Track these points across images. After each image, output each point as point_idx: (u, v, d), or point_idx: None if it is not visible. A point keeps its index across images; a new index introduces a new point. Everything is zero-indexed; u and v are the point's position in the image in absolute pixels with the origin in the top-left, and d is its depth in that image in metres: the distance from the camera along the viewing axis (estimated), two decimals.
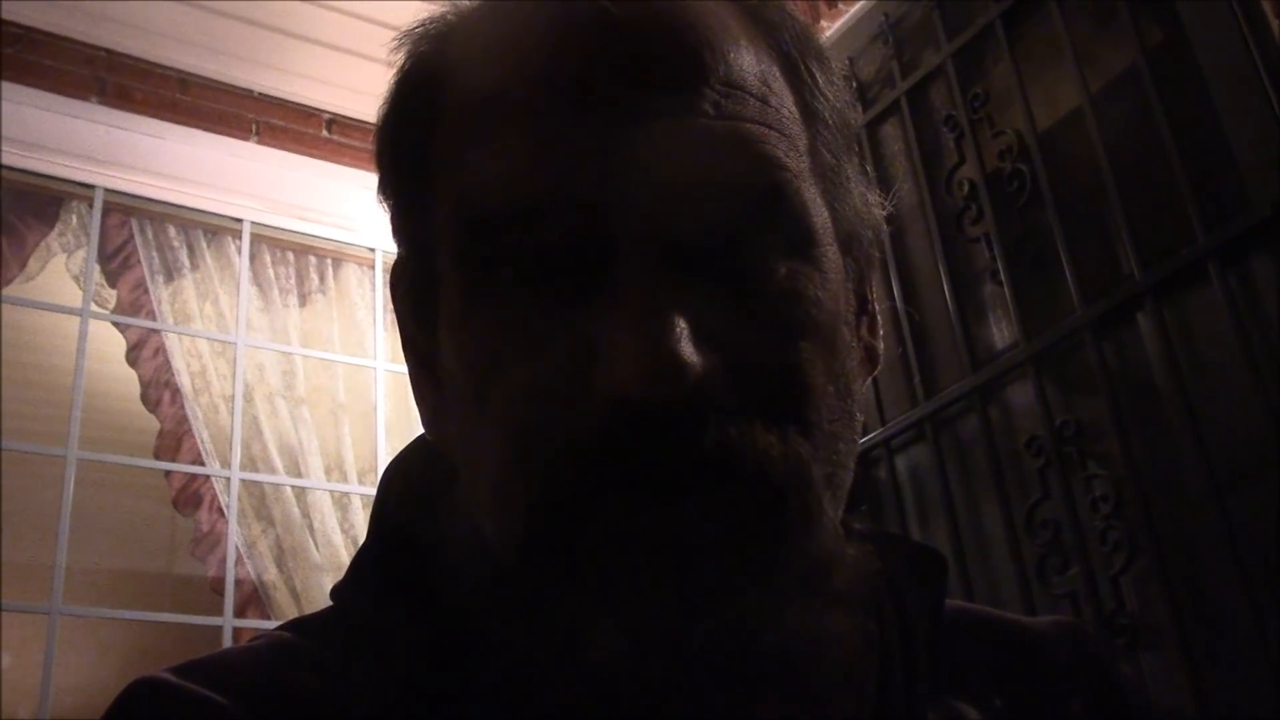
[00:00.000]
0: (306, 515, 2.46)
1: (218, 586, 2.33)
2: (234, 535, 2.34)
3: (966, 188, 1.84)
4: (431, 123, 0.49)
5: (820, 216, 0.47)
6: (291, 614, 2.26)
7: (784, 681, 0.40)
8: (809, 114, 0.49)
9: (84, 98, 2.48)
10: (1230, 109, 1.43)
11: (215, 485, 2.39)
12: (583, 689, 0.40)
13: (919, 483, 1.88)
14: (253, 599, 2.35)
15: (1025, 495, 1.67)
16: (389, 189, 0.52)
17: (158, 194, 2.51)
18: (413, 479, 0.53)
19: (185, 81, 2.64)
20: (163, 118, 2.57)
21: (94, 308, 2.39)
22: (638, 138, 0.42)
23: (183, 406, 2.41)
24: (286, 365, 2.57)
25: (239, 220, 2.59)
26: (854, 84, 2.10)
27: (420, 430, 0.54)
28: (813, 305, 0.44)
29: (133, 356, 2.43)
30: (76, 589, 2.51)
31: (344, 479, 2.55)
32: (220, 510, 2.37)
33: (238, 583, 2.32)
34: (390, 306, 2.28)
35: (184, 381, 2.42)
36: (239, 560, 2.34)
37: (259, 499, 2.44)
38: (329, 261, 2.75)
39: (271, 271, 2.64)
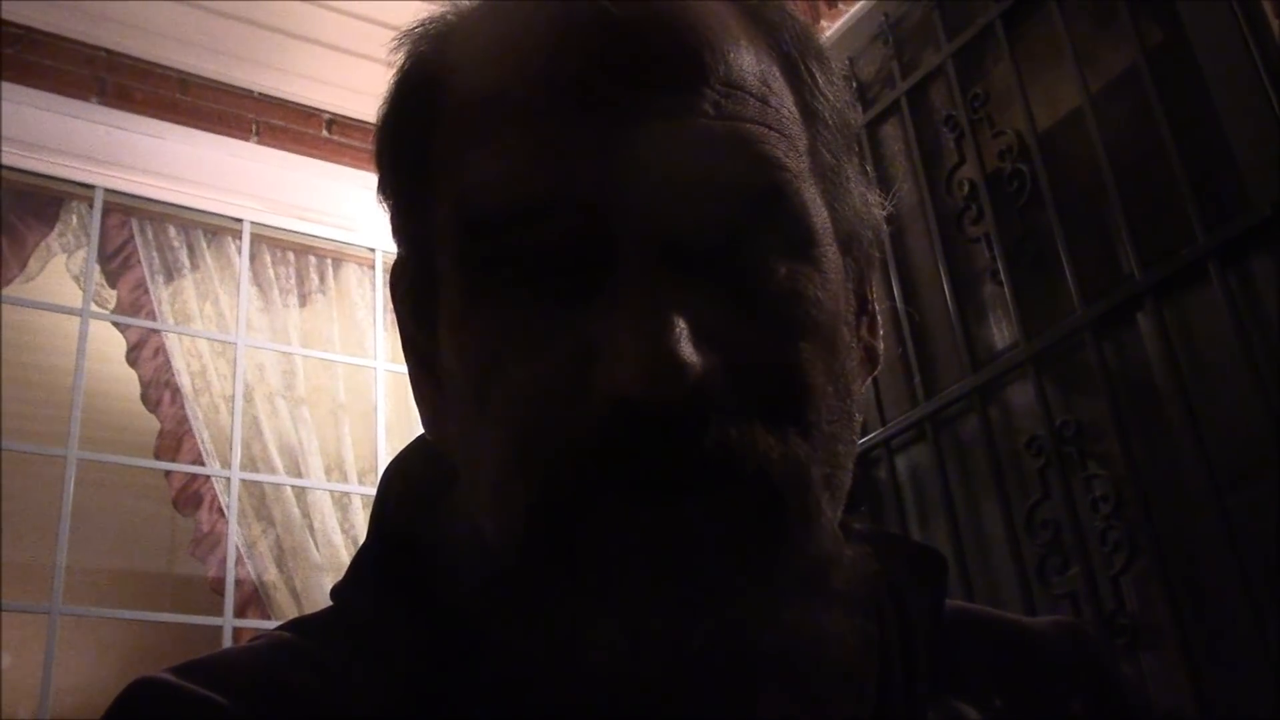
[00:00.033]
0: (307, 515, 2.46)
1: (218, 586, 2.33)
2: (234, 535, 2.34)
3: (966, 188, 1.84)
4: (431, 123, 0.49)
5: (820, 216, 0.47)
6: (292, 614, 2.26)
7: (784, 681, 0.40)
8: (809, 114, 0.49)
9: (84, 98, 2.48)
10: (1230, 109, 1.43)
11: (215, 485, 2.39)
12: (583, 689, 0.40)
13: (919, 483, 1.88)
14: (253, 599, 2.35)
15: (1025, 495, 1.67)
16: (389, 189, 0.52)
17: (158, 194, 2.51)
18: (413, 479, 0.53)
19: (185, 82, 2.64)
20: (163, 118, 2.57)
21: (94, 308, 2.39)
22: (638, 138, 0.42)
23: (183, 406, 2.41)
24: (287, 365, 2.57)
25: (239, 220, 2.59)
26: (854, 84, 2.10)
27: (420, 430, 0.54)
28: (813, 305, 0.44)
29: (133, 356, 2.43)
30: (77, 589, 2.51)
31: (344, 479, 2.55)
32: (220, 510, 2.37)
33: (238, 583, 2.32)
34: (390, 306, 2.28)
35: (184, 381, 2.42)
36: (239, 560, 2.34)
37: (259, 499, 2.44)
38: (329, 261, 2.75)
39: (272, 271, 2.64)
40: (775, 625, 0.40)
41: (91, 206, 2.43)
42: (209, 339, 2.48)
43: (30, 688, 2.33)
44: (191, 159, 2.55)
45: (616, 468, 0.40)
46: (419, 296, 0.51)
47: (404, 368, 0.55)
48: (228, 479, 2.38)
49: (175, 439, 2.39)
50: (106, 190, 2.44)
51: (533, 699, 0.42)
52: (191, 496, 2.38)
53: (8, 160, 2.33)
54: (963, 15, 1.89)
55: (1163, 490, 1.48)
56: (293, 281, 2.68)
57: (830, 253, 0.47)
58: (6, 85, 2.36)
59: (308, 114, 2.79)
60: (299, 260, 2.71)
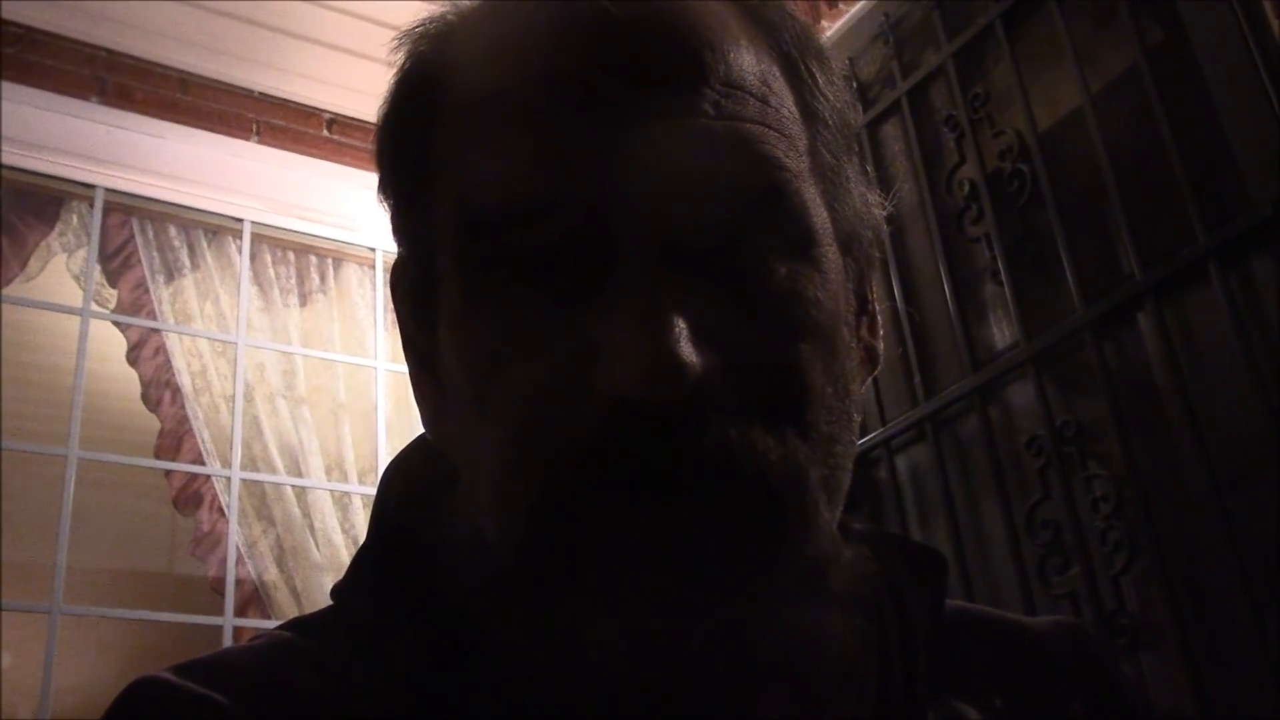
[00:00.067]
0: (307, 515, 2.46)
1: (218, 586, 2.33)
2: (234, 535, 2.34)
3: (967, 188, 1.84)
4: (431, 122, 0.49)
5: (820, 216, 0.47)
6: (292, 614, 2.26)
7: (783, 681, 0.40)
8: (809, 114, 0.49)
9: (84, 97, 2.48)
10: (1230, 109, 1.43)
11: (216, 485, 2.39)
12: (582, 689, 0.40)
13: (919, 483, 1.88)
14: (253, 599, 2.35)
15: (1025, 495, 1.67)
16: (389, 189, 0.52)
17: (158, 194, 2.51)
18: (413, 479, 0.53)
19: (186, 81, 2.64)
20: (163, 117, 2.57)
21: (94, 307, 2.39)
22: (638, 138, 0.42)
23: (183, 406, 2.41)
24: (287, 365, 2.57)
25: (239, 220, 2.59)
26: (854, 84, 2.10)
27: (420, 430, 0.54)
28: (812, 306, 0.44)
29: (133, 356, 2.43)
30: (77, 588, 2.51)
31: (344, 479, 2.55)
32: (221, 510, 2.37)
33: (238, 582, 2.32)
34: (390, 306, 2.28)
35: (184, 381, 2.42)
36: (239, 560, 2.34)
37: (259, 499, 2.44)
38: (329, 261, 2.75)
39: (272, 271, 2.64)
40: (774, 626, 0.40)
41: (92, 206, 2.43)
42: (209, 339, 2.48)
43: (31, 687, 2.33)
44: (192, 159, 2.55)
45: (616, 468, 0.40)
46: (419, 296, 0.51)
47: (404, 367, 0.55)
48: (228, 479, 2.38)
49: (175, 438, 2.39)
50: (107, 190, 2.44)
51: (532, 699, 0.42)
52: (192, 496, 2.38)
53: (8, 160, 2.33)
54: (963, 15, 1.89)
55: (1163, 490, 1.48)
56: (293, 281, 2.68)
57: (830, 253, 0.47)
58: (7, 85, 2.36)
59: (308, 114, 2.79)
60: (299, 260, 2.71)
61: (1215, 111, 1.45)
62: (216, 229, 2.60)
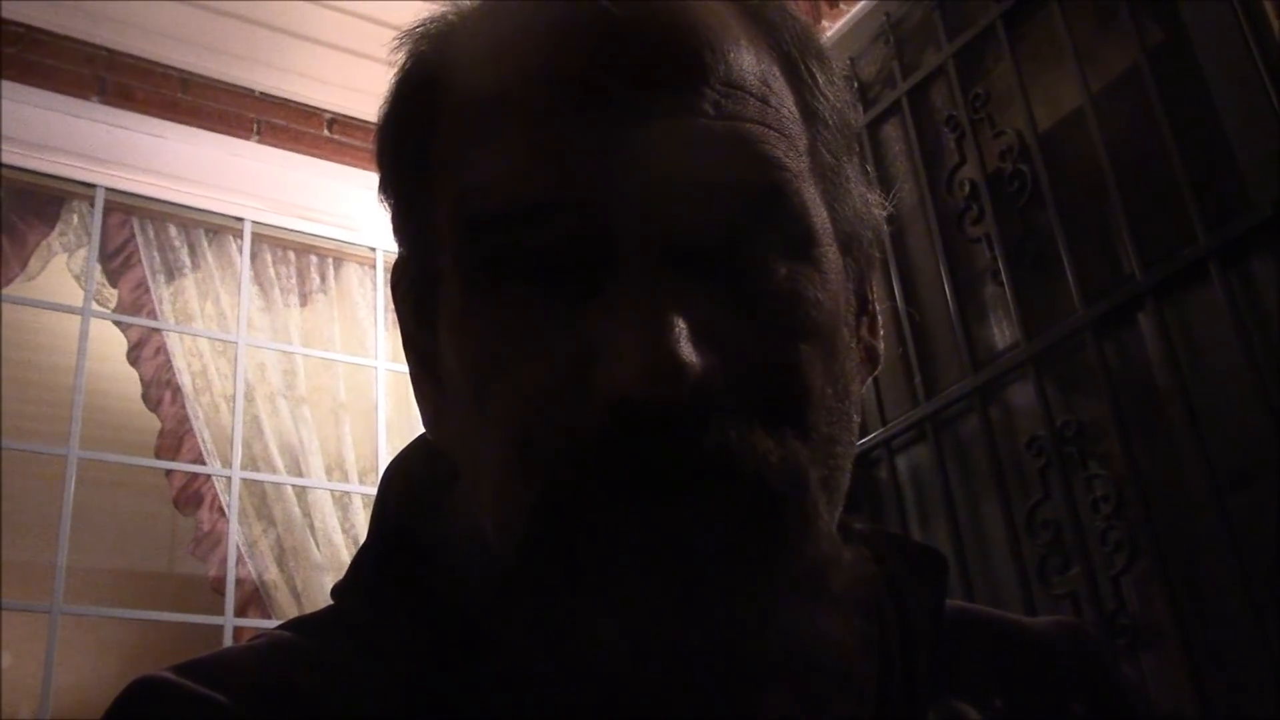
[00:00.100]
0: (307, 514, 2.46)
1: (218, 586, 2.33)
2: (235, 534, 2.34)
3: (967, 188, 1.84)
4: (432, 122, 0.49)
5: (820, 216, 0.47)
6: (292, 613, 2.26)
7: (783, 682, 0.40)
8: (809, 114, 0.49)
9: (85, 97, 2.48)
10: (1231, 109, 1.43)
11: (216, 484, 2.39)
12: (582, 689, 0.40)
13: (920, 483, 1.88)
14: (253, 598, 2.35)
15: (1026, 495, 1.67)
16: (390, 188, 0.52)
17: (159, 193, 2.51)
18: (414, 478, 0.53)
19: (186, 81, 2.64)
20: (164, 117, 2.57)
21: (95, 307, 2.39)
22: (638, 138, 0.42)
23: (184, 406, 2.41)
24: (287, 365, 2.57)
25: (240, 220, 2.59)
26: (855, 84, 2.10)
27: (421, 430, 0.54)
28: (812, 306, 0.44)
29: (134, 356, 2.43)
30: (77, 588, 2.51)
31: (345, 478, 2.55)
32: (221, 509, 2.37)
33: (238, 582, 2.32)
34: (391, 306, 2.28)
35: (185, 381, 2.42)
36: (240, 559, 2.34)
37: (260, 498, 2.44)
38: (330, 261, 2.75)
39: (273, 271, 2.64)
40: (774, 626, 0.40)
41: (92, 205, 2.43)
42: (210, 338, 2.48)
43: (31, 687, 2.33)
44: (192, 158, 2.55)
45: (617, 468, 0.40)
46: (420, 296, 0.51)
47: (405, 367, 0.55)
48: (228, 478, 2.38)
49: (176, 438, 2.39)
50: (107, 189, 2.45)
51: (533, 699, 0.42)
52: (192, 496, 2.39)
53: (8, 159, 2.33)
54: (964, 15, 1.89)
55: (1163, 490, 1.48)
56: (294, 281, 2.68)
57: (830, 253, 0.47)
58: (7, 84, 2.36)
59: (309, 113, 2.79)
60: (300, 259, 2.71)
61: (1216, 111, 1.45)
62: (217, 228, 2.60)
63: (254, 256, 2.60)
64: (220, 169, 2.58)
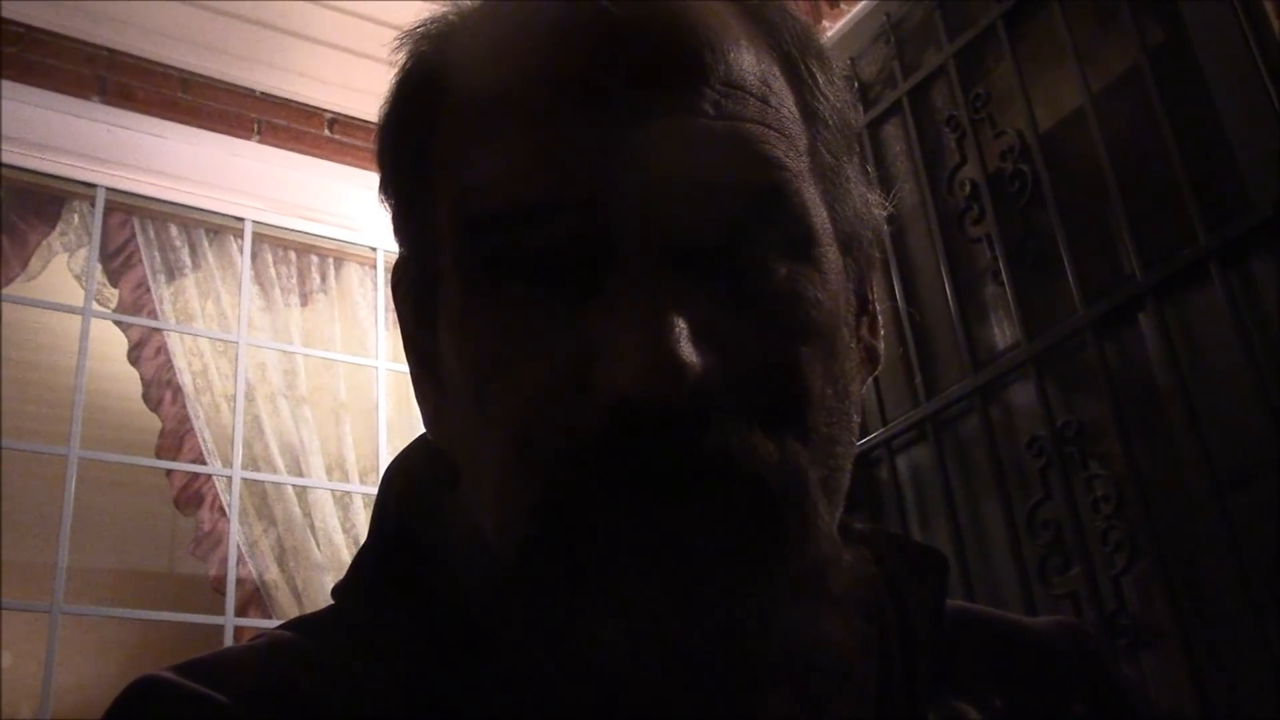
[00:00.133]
0: (308, 514, 2.46)
1: (219, 585, 2.33)
2: (235, 534, 2.34)
3: (968, 188, 1.84)
4: (432, 122, 0.49)
5: (820, 216, 0.47)
6: (293, 613, 2.26)
7: (783, 682, 0.40)
8: (809, 114, 0.49)
9: (85, 97, 2.48)
10: (1231, 109, 1.43)
11: (217, 484, 2.39)
12: (583, 689, 0.40)
13: (920, 483, 1.88)
14: (254, 598, 2.35)
15: (1026, 495, 1.67)
16: (390, 188, 0.52)
17: (159, 193, 2.51)
18: (414, 478, 0.53)
19: (187, 81, 2.64)
20: (164, 117, 2.57)
21: (96, 307, 2.39)
22: (638, 137, 0.42)
23: (184, 406, 2.41)
24: (288, 364, 2.57)
25: (241, 219, 2.59)
26: (855, 84, 2.10)
27: (422, 429, 0.54)
28: (812, 307, 0.44)
29: (134, 356, 2.43)
30: (78, 588, 2.51)
31: (345, 478, 2.55)
32: (222, 509, 2.37)
33: (239, 582, 2.32)
34: (391, 306, 2.27)
35: (185, 381, 2.42)
36: (240, 559, 2.34)
37: (260, 498, 2.44)
38: (331, 261, 2.75)
39: (273, 271, 2.64)
40: (774, 627, 0.40)
41: (93, 205, 2.43)
42: (210, 338, 2.48)
43: (31, 687, 2.33)
44: (193, 158, 2.55)
45: (617, 468, 0.40)
46: (420, 296, 0.51)
47: (405, 367, 0.55)
48: (229, 478, 2.38)
49: (177, 438, 2.39)
50: (108, 189, 2.45)
51: (533, 699, 0.42)
52: (193, 496, 2.39)
53: (9, 159, 2.33)
54: (964, 15, 1.88)
55: (1164, 490, 1.48)
56: (294, 281, 2.68)
57: (830, 253, 0.47)
58: (7, 84, 2.36)
59: (309, 113, 2.79)
60: (300, 259, 2.71)
61: (1216, 111, 1.45)
62: (218, 228, 2.60)
63: (255, 256, 2.60)
64: (221, 169, 2.58)
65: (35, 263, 2.37)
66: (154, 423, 2.42)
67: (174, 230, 2.54)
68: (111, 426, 2.90)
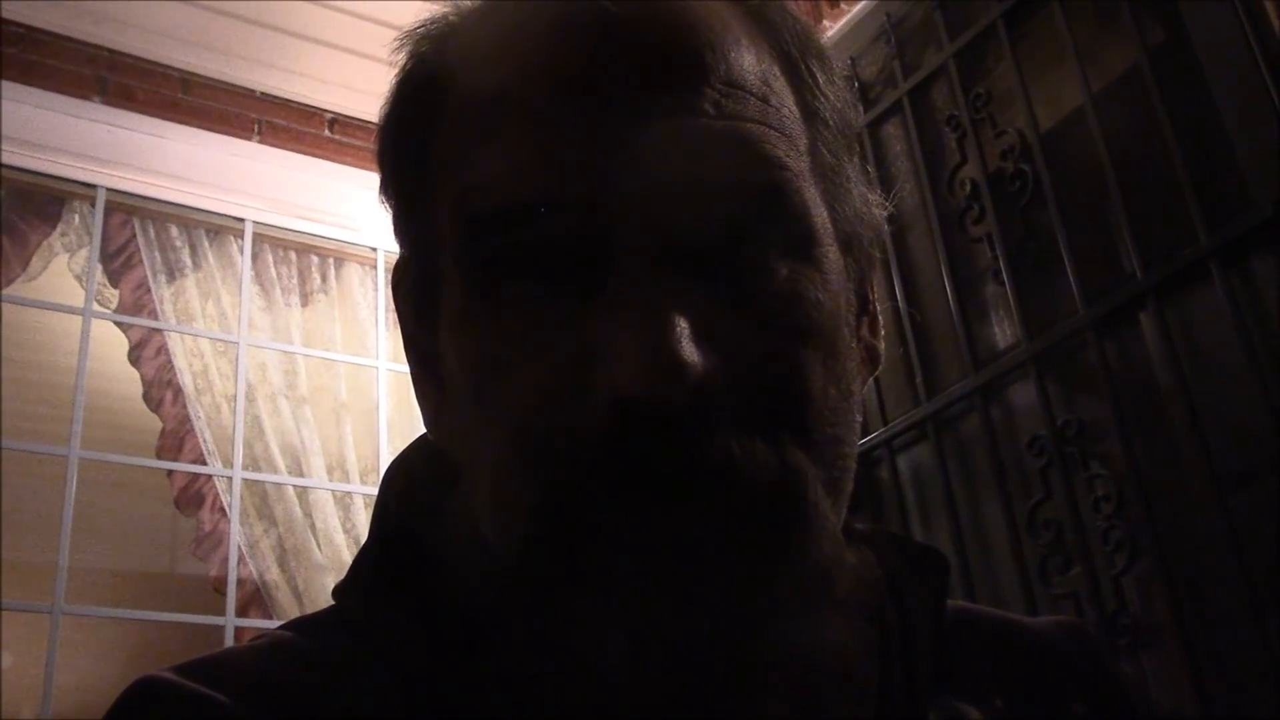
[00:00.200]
0: (309, 515, 2.46)
1: (220, 586, 2.33)
2: (236, 535, 2.34)
3: (968, 187, 1.84)
4: (433, 122, 0.49)
5: (820, 216, 0.46)
6: (294, 614, 2.26)
7: (784, 683, 0.40)
8: (809, 114, 0.48)
9: (86, 97, 2.48)
10: (1232, 109, 1.43)
11: (217, 485, 2.39)
12: (583, 690, 0.40)
13: (921, 483, 1.88)
14: (255, 599, 2.35)
15: (1027, 495, 1.67)
16: (390, 189, 0.52)
17: (160, 193, 2.51)
18: (415, 478, 0.53)
19: (187, 81, 2.64)
20: (165, 117, 2.57)
21: (96, 307, 2.39)
22: (638, 137, 0.42)
23: (185, 406, 2.41)
24: (288, 365, 2.57)
25: (241, 220, 2.60)
26: (856, 84, 2.10)
27: (422, 430, 0.54)
28: (813, 307, 0.44)
29: (135, 356, 2.43)
30: (78, 588, 2.51)
31: (346, 478, 2.55)
32: (222, 510, 2.37)
33: (240, 582, 2.32)
34: (392, 306, 2.26)
35: (186, 381, 2.42)
36: (241, 560, 2.34)
37: (261, 498, 2.44)
38: (331, 261, 2.75)
39: (274, 271, 2.64)
40: (774, 628, 0.40)
41: (93, 206, 2.43)
42: (211, 338, 2.48)
43: (32, 687, 2.33)
44: (193, 158, 2.55)
45: (618, 468, 0.40)
46: (420, 296, 0.51)
47: (406, 367, 0.55)
48: (230, 478, 2.38)
49: (177, 438, 2.39)
50: (108, 189, 2.45)
51: (533, 700, 0.42)
52: (193, 496, 2.39)
53: (9, 160, 2.33)
54: (965, 15, 1.88)
55: (1164, 490, 1.48)
56: (295, 281, 2.68)
57: (831, 253, 0.47)
58: (8, 84, 2.36)
59: (310, 113, 2.79)
60: (301, 260, 2.71)
61: (1217, 111, 1.45)
62: (218, 229, 2.60)
63: (255, 256, 2.60)
64: (221, 169, 2.58)
65: (36, 263, 2.37)
66: (154, 423, 2.42)
67: (174, 230, 2.54)
68: (112, 427, 2.90)
